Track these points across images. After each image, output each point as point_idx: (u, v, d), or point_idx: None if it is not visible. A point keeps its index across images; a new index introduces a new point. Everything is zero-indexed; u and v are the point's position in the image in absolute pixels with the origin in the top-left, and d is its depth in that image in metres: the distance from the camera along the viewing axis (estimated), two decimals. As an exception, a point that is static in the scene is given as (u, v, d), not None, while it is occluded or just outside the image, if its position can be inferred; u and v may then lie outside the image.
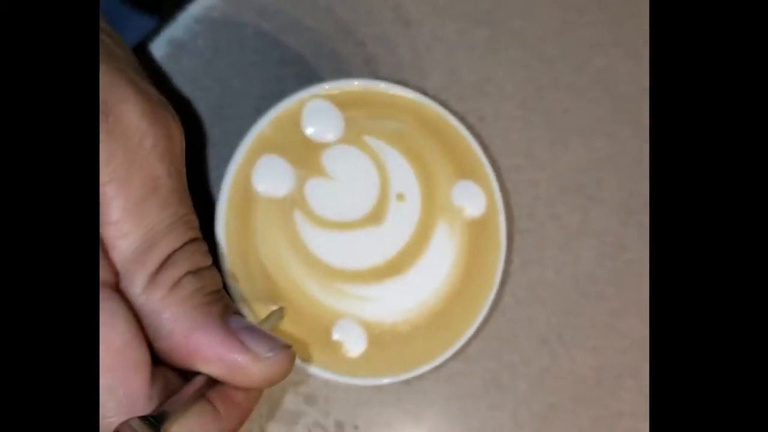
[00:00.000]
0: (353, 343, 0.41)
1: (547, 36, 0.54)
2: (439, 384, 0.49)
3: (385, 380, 0.41)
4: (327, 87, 0.40)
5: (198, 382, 0.31)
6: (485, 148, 0.47)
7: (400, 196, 0.42)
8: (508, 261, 0.50)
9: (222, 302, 0.33)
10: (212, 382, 0.31)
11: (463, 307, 0.42)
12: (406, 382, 0.46)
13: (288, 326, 0.40)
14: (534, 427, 0.49)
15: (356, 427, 0.48)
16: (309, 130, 0.41)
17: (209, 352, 0.30)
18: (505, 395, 0.50)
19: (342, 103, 0.41)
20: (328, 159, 0.41)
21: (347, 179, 0.41)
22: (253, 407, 0.33)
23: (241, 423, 0.33)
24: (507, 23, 0.54)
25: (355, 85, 0.41)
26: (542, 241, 0.52)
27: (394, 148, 0.42)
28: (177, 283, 0.31)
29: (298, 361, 0.39)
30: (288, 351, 0.32)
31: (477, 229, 0.43)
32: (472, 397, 0.49)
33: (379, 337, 0.41)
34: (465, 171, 0.42)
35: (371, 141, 0.41)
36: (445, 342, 0.42)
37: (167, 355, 0.31)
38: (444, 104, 0.43)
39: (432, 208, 0.42)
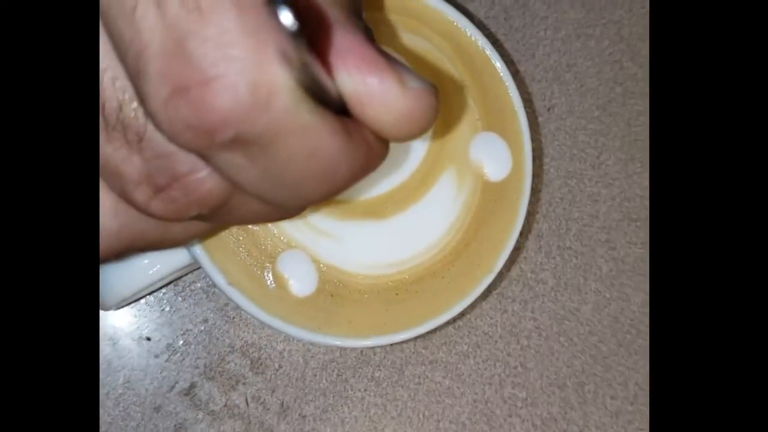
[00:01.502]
0: (298, 281, 0.31)
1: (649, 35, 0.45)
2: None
3: (327, 339, 0.31)
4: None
5: None
6: (542, 139, 0.38)
7: (405, 127, 0.33)
8: (524, 246, 0.41)
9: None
10: None
11: (449, 282, 0.32)
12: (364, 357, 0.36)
13: (228, 242, 0.31)
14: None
15: (303, 417, 0.38)
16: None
17: (350, 56, 0.21)
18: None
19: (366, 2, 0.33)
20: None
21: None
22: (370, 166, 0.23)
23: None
24: (607, 11, 0.45)
25: (383, -17, 0.33)
26: (588, 267, 0.42)
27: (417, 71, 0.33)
28: None
29: (230, 292, 0.30)
30: (435, 92, 0.22)
31: (494, 194, 0.33)
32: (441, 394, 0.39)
33: (334, 287, 0.32)
34: (494, 123, 0.33)
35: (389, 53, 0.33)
36: (414, 317, 0.32)
37: None
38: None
39: (441, 153, 0.33)
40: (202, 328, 0.40)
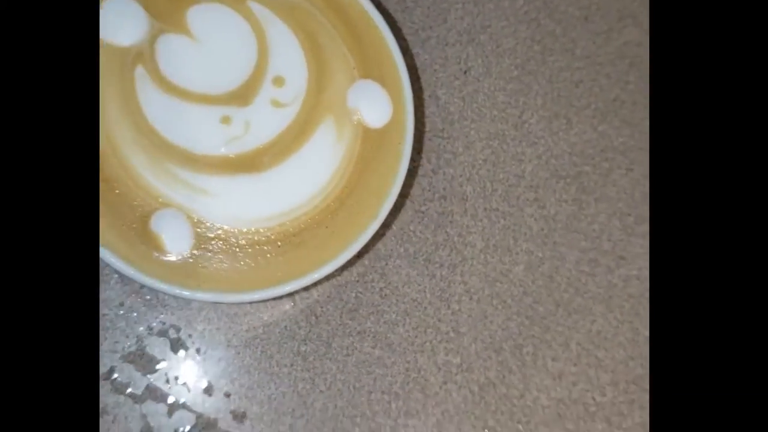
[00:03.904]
0: (173, 241, 0.31)
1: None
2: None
3: (208, 296, 0.30)
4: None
5: None
6: (471, 104, 0.39)
7: (278, 80, 0.33)
8: (449, 210, 0.39)
9: None
10: None
11: (334, 231, 0.32)
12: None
13: (102, 203, 0.31)
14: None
15: (228, 396, 0.38)
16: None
17: None
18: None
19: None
20: (195, 15, 0.34)
21: (215, 45, 0.33)
22: None
23: None
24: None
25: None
26: (517, 228, 0.41)
27: (284, 23, 0.33)
28: None
29: (104, 254, 0.30)
30: None
31: (375, 141, 0.32)
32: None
33: (211, 243, 0.31)
34: (371, 70, 0.33)
35: (256, 7, 0.33)
36: (298, 268, 0.31)
37: None
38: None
39: (317, 103, 0.33)
40: (120, 312, 0.40)
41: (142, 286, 0.39)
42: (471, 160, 0.43)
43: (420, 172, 0.42)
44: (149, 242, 0.31)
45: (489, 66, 0.44)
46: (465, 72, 0.44)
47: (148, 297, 0.39)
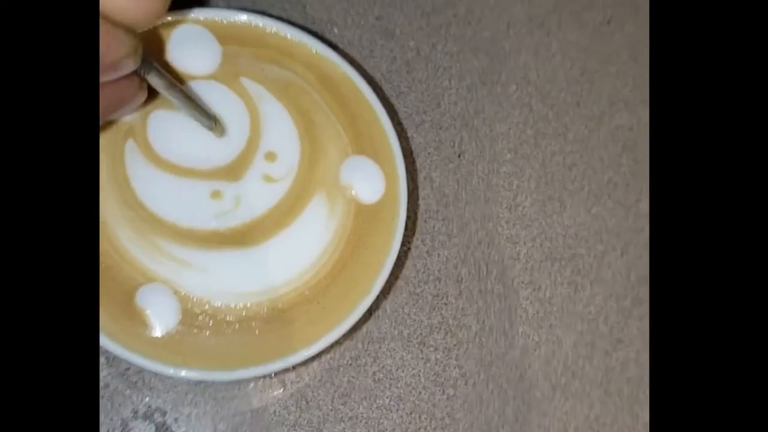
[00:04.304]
0: (159, 316, 0.30)
1: (558, 78, 0.45)
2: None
3: (192, 374, 0.29)
4: (203, 16, 0.33)
5: None
6: (466, 186, 0.40)
7: (270, 155, 0.33)
8: (444, 292, 0.39)
9: None
10: None
11: (325, 307, 0.31)
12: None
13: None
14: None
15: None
16: (174, 56, 0.34)
17: None
18: None
19: (224, 35, 0.34)
20: (189, 92, 0.33)
21: (208, 121, 0.33)
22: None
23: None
24: (512, 58, 0.46)
25: (243, 20, 0.34)
26: (513, 310, 0.41)
27: (277, 100, 0.33)
28: None
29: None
30: None
31: (368, 216, 0.32)
32: None
33: (199, 320, 0.31)
34: (364, 146, 0.33)
35: (250, 85, 0.33)
36: (288, 346, 0.30)
37: None
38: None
39: (310, 178, 0.33)
40: (103, 393, 0.38)
41: (128, 368, 0.38)
42: (466, 241, 0.43)
43: (415, 253, 0.42)
44: (134, 318, 0.30)
45: (483, 149, 0.45)
46: (459, 155, 0.44)
47: (134, 379, 0.38)
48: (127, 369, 0.38)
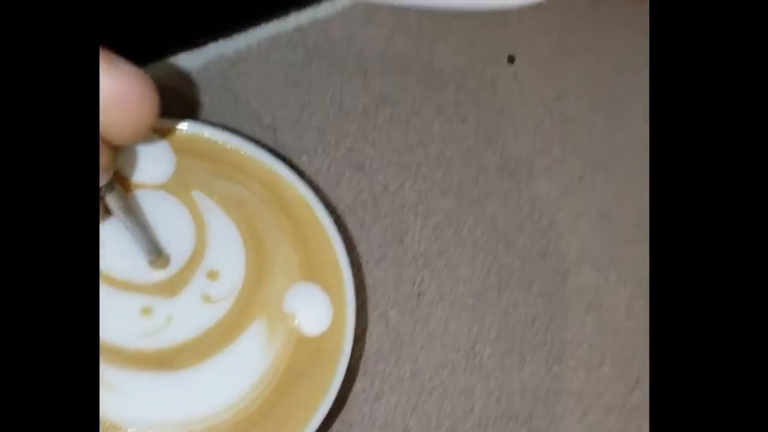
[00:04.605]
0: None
1: (525, 228, 0.44)
2: None
3: None
4: (162, 125, 0.32)
5: None
6: (423, 329, 0.39)
7: (213, 274, 0.31)
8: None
9: None
10: None
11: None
12: None
13: None
14: None
15: None
16: (124, 161, 0.32)
17: None
18: None
19: (180, 146, 0.33)
20: (136, 201, 0.32)
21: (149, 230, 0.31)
22: None
23: None
24: (480, 202, 0.45)
25: (204, 135, 0.33)
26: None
27: (227, 216, 0.32)
28: None
29: None
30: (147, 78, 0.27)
31: (310, 350, 0.30)
32: None
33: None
34: (314, 273, 0.31)
35: (201, 199, 0.32)
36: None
37: None
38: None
39: (252, 302, 0.30)
40: None
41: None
42: (418, 389, 0.40)
43: (361, 396, 0.39)
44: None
45: (444, 292, 0.43)
46: (419, 295, 0.42)
47: None
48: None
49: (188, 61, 0.43)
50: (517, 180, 0.47)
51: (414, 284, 0.43)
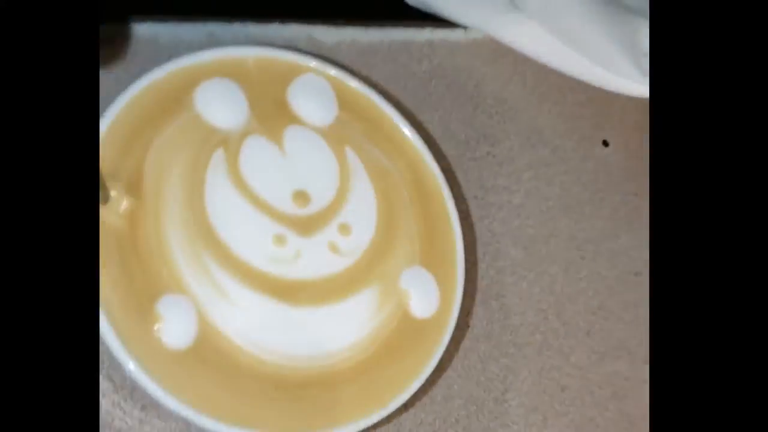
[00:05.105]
0: (175, 329, 0.26)
1: (578, 301, 0.45)
2: None
3: (181, 409, 0.25)
4: (334, 71, 0.32)
5: None
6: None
7: (345, 228, 0.31)
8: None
9: None
10: None
11: (340, 396, 0.28)
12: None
13: (114, 271, 0.27)
14: None
15: None
16: (289, 96, 0.32)
17: None
18: None
19: (345, 101, 0.33)
20: (294, 133, 0.32)
21: (299, 167, 0.32)
22: None
23: None
24: (543, 264, 0.46)
25: (374, 99, 0.33)
26: None
27: (370, 182, 0.32)
28: None
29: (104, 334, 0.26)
30: None
31: (411, 330, 0.30)
32: None
33: (210, 351, 0.27)
34: (431, 262, 0.31)
35: (352, 156, 0.32)
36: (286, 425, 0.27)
37: None
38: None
39: (372, 268, 0.31)
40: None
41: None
42: (445, 414, 0.41)
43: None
44: (149, 319, 0.26)
45: (491, 331, 0.43)
46: (468, 326, 0.43)
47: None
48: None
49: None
50: (582, 255, 0.49)
51: (467, 313, 0.43)
